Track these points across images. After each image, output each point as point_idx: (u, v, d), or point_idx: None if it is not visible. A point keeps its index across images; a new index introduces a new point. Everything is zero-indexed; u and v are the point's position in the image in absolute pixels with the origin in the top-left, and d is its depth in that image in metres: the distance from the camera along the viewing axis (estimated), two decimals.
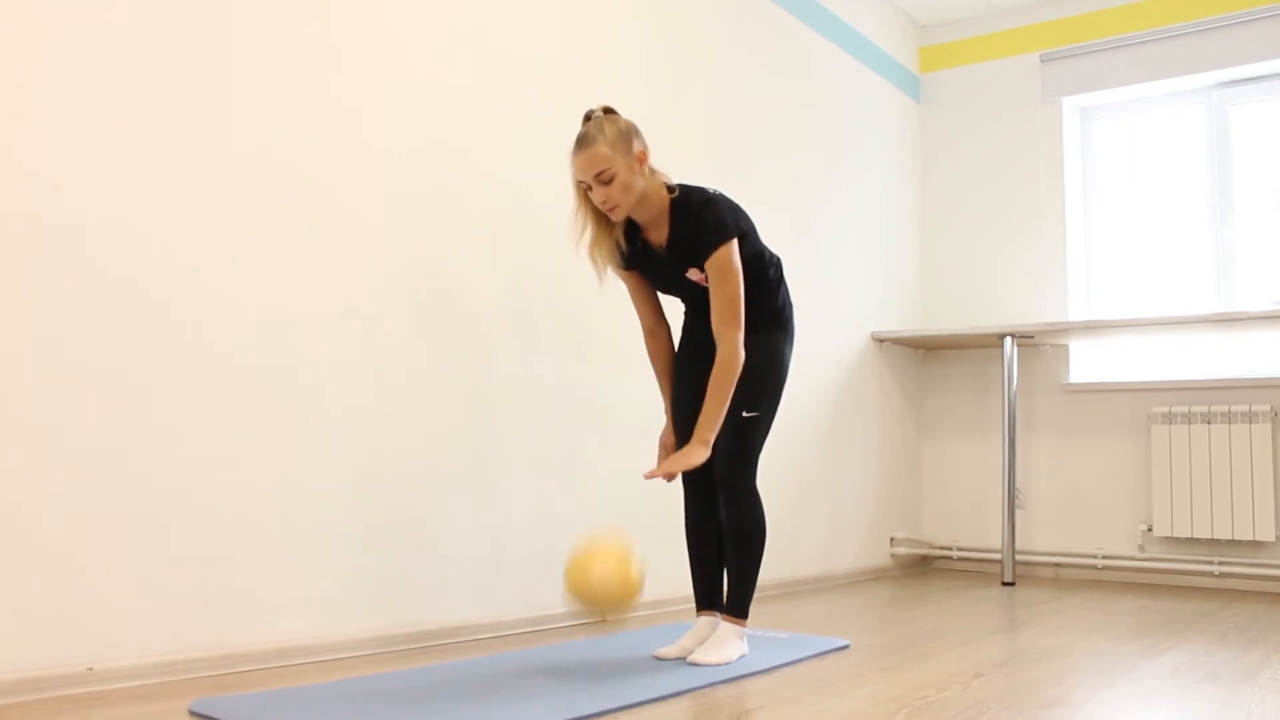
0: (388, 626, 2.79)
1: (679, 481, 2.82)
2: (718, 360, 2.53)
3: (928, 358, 5.40)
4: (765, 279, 2.69)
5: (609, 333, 3.49)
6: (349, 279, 2.77)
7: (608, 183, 2.47)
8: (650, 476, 2.48)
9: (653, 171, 2.58)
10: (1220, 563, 4.50)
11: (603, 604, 2.39)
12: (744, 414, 2.62)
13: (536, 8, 3.33)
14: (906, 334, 4.98)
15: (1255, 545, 4.46)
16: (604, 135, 2.48)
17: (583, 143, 2.49)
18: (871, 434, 4.93)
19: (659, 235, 2.62)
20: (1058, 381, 5.01)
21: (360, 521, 2.75)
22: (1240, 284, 4.79)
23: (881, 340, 5.00)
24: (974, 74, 5.40)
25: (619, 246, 2.63)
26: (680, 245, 2.60)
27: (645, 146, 2.55)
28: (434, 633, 2.88)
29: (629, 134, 2.51)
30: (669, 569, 3.61)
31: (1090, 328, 4.52)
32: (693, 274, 2.61)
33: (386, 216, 2.87)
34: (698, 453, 2.49)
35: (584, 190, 2.55)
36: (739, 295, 2.53)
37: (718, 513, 2.74)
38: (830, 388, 4.63)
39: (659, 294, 2.80)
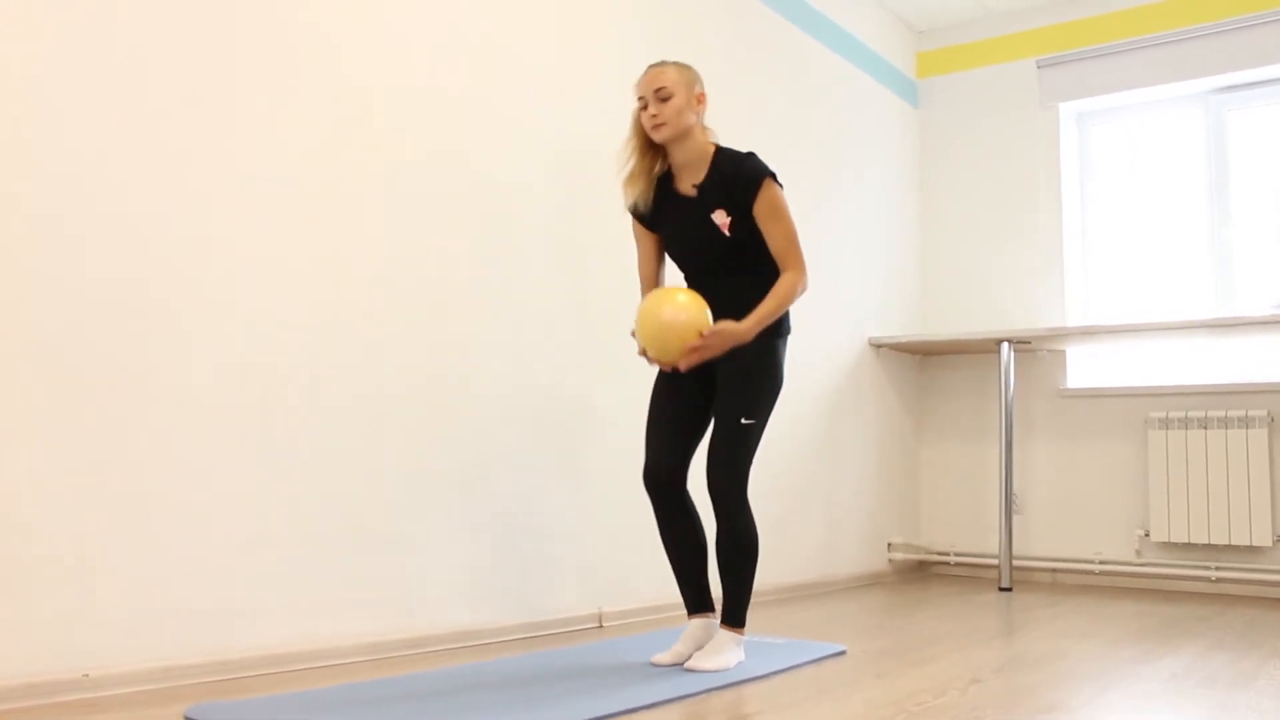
0: (384, 632, 2.79)
1: None
2: (786, 278, 2.64)
3: (925, 363, 5.40)
4: (773, 282, 2.69)
5: (603, 335, 3.49)
6: (343, 285, 2.77)
7: (664, 100, 2.64)
8: (691, 349, 2.54)
9: (705, 127, 2.73)
10: (1217, 568, 4.50)
11: (678, 324, 2.55)
12: (742, 421, 2.62)
13: (536, 10, 3.34)
14: (904, 339, 4.98)
15: (1252, 550, 4.46)
16: (674, 64, 2.71)
17: (654, 65, 2.72)
18: (869, 439, 4.93)
19: (693, 178, 2.70)
20: (1055, 387, 5.02)
21: (355, 527, 2.75)
22: (1238, 289, 4.79)
23: (879, 345, 5.00)
24: (971, 79, 5.41)
25: (652, 183, 2.73)
26: (716, 185, 2.66)
27: (705, 94, 2.72)
28: (430, 639, 2.88)
29: (695, 77, 2.71)
30: (664, 574, 3.60)
31: (1087, 333, 4.52)
32: (718, 216, 2.65)
33: (383, 217, 2.87)
34: (741, 333, 2.58)
35: (639, 115, 2.70)
36: (794, 231, 2.66)
37: (689, 515, 2.73)
38: (828, 393, 4.63)
39: (668, 260, 2.85)
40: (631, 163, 2.75)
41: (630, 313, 3.49)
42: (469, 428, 3.05)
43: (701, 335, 2.54)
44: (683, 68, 2.70)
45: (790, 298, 2.66)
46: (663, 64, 2.70)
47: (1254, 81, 4.80)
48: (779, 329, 2.71)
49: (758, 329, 2.60)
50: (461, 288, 3.06)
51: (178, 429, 2.40)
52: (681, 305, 2.57)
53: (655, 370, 2.81)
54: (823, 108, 4.71)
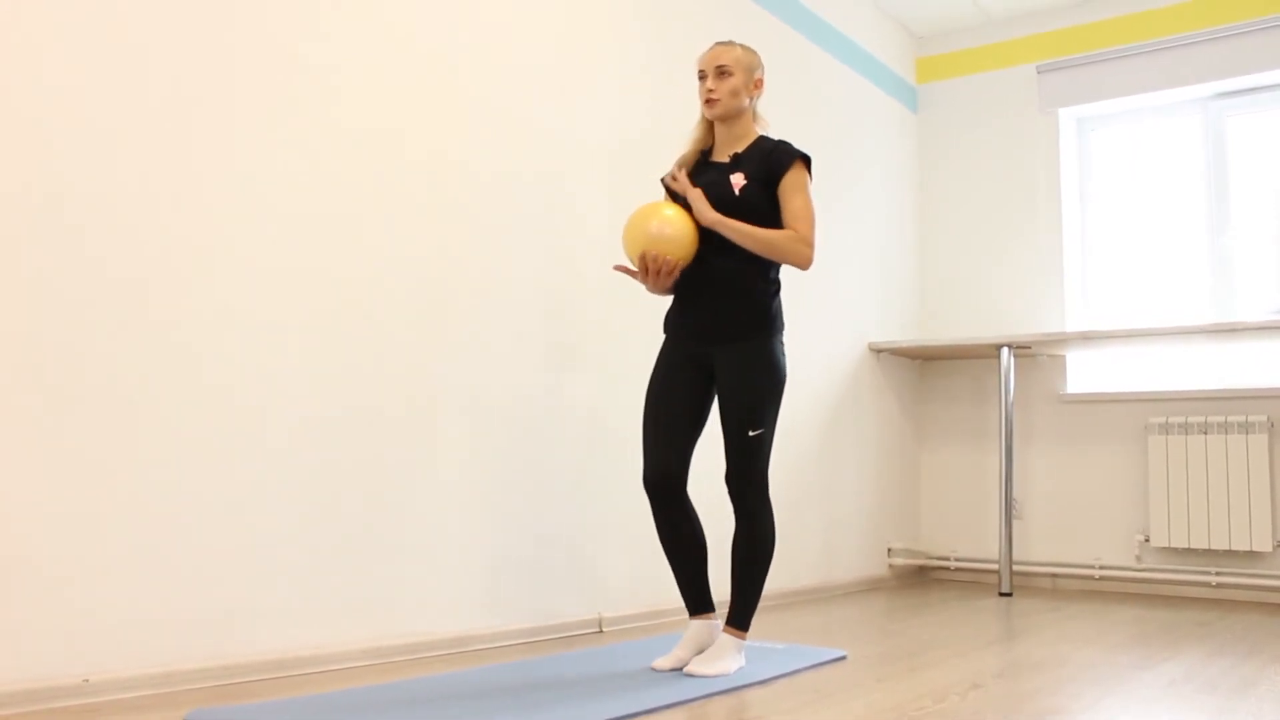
0: (384, 637, 2.78)
1: None
2: (793, 234, 2.64)
3: (925, 368, 5.40)
4: (769, 276, 2.71)
5: (606, 342, 3.49)
6: (342, 288, 2.77)
7: (722, 78, 2.70)
8: (674, 177, 2.72)
9: (757, 115, 2.79)
10: (1217, 573, 4.50)
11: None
12: (750, 434, 2.62)
13: (536, 11, 3.34)
14: (904, 344, 4.98)
15: (1252, 556, 4.46)
16: (741, 46, 2.76)
17: (721, 42, 2.78)
18: (869, 444, 4.93)
19: (731, 150, 2.75)
20: (1055, 392, 5.02)
21: (355, 532, 2.75)
22: (1237, 294, 4.79)
23: (879, 350, 5.00)
24: (971, 85, 5.41)
25: (696, 154, 2.79)
26: (749, 156, 2.72)
27: (763, 81, 2.78)
28: (430, 643, 2.88)
29: (757, 63, 2.77)
30: (665, 579, 3.60)
31: (1087, 338, 4.53)
32: (736, 178, 2.68)
33: (382, 219, 2.87)
34: (704, 208, 2.64)
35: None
36: (812, 212, 2.68)
37: (689, 517, 2.73)
38: (827, 398, 4.63)
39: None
40: (692, 136, 2.82)
41: (632, 318, 3.50)
42: (469, 433, 3.05)
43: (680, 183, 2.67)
44: (748, 51, 2.75)
45: (782, 246, 2.64)
46: (730, 43, 2.75)
47: (1253, 87, 4.81)
48: (772, 328, 2.69)
49: (722, 225, 2.61)
50: (462, 291, 3.06)
51: (177, 433, 2.40)
52: (668, 219, 2.62)
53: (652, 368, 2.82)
54: (822, 112, 4.72)
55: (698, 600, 2.74)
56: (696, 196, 2.64)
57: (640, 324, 3.43)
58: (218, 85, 2.52)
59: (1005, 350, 4.69)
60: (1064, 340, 4.59)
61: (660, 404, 2.73)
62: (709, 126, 2.80)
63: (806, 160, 2.70)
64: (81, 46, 2.29)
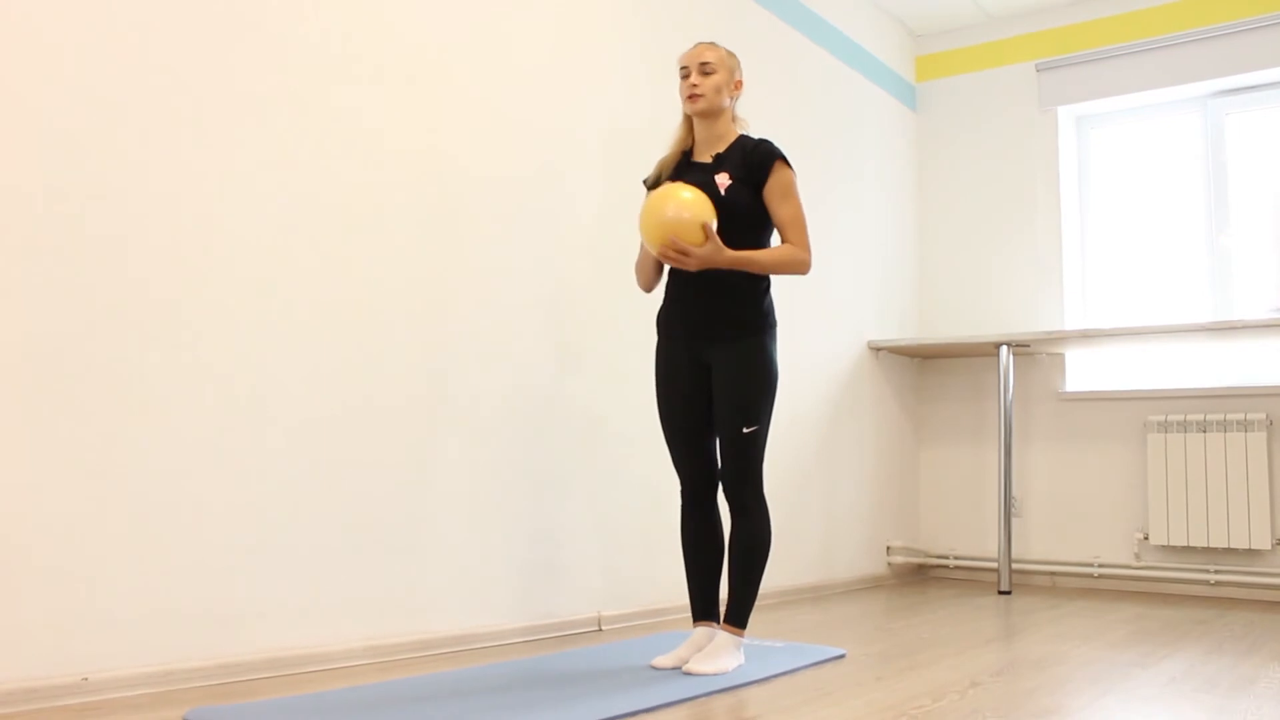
0: (384, 636, 2.79)
1: (676, 491, 2.81)
2: (792, 249, 2.69)
3: (924, 366, 5.40)
4: (758, 275, 2.71)
5: (603, 343, 3.49)
6: (342, 287, 2.77)
7: (706, 74, 2.72)
8: (665, 254, 2.58)
9: (736, 116, 2.81)
10: (1216, 571, 4.50)
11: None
12: (744, 430, 2.63)
13: (535, 10, 3.34)
14: (903, 343, 4.98)
15: (1251, 554, 4.46)
16: (723, 48, 2.79)
17: (703, 41, 2.81)
18: (868, 443, 4.93)
19: (712, 151, 2.76)
20: (1054, 390, 5.02)
21: (356, 530, 2.75)
22: (1236, 293, 4.80)
23: (878, 349, 5.00)
24: (970, 83, 5.41)
25: (678, 156, 2.79)
26: (730, 156, 2.73)
27: (742, 83, 2.81)
28: (430, 642, 2.88)
29: (737, 64, 2.81)
30: (664, 577, 3.61)
31: (1086, 336, 4.53)
32: (720, 178, 2.69)
33: (380, 219, 2.87)
34: (714, 248, 2.56)
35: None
36: (803, 215, 2.73)
37: (717, 524, 2.75)
38: (827, 397, 4.63)
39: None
40: (673, 137, 2.84)
41: (630, 316, 3.50)
42: (469, 431, 3.05)
43: (679, 249, 2.54)
44: (730, 53, 2.79)
45: (787, 263, 2.68)
46: (713, 43, 2.79)
47: (1252, 85, 4.81)
48: (764, 325, 2.70)
49: (735, 263, 2.61)
50: (462, 290, 3.06)
51: (178, 431, 2.40)
52: (686, 202, 2.57)
53: (654, 373, 2.81)
54: (821, 111, 4.72)
55: (706, 606, 2.75)
56: (701, 259, 2.57)
57: (639, 322, 3.43)
58: (218, 84, 2.52)
59: (1004, 348, 4.69)
60: (1063, 338, 4.59)
61: (674, 414, 2.74)
62: (689, 127, 2.80)
63: (786, 159, 2.71)
64: (82, 46, 2.28)
